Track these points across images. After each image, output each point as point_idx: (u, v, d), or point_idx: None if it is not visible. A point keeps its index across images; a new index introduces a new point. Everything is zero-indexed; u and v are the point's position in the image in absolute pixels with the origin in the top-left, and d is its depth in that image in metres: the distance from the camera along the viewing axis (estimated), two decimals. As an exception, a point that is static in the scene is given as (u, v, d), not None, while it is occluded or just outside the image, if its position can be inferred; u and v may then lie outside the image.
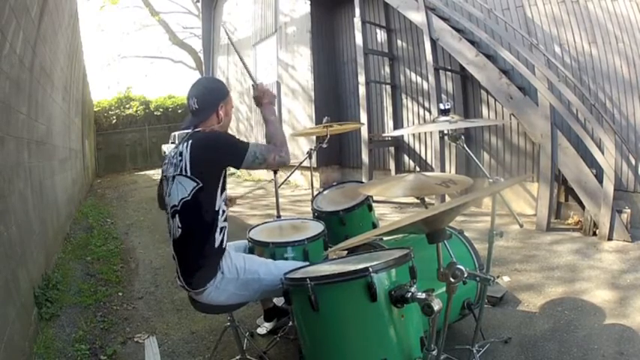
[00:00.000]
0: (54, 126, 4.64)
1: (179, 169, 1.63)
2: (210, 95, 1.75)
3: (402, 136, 6.50)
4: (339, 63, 7.77)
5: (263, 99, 1.87)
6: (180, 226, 1.63)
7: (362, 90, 6.14)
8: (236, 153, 1.63)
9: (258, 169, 1.72)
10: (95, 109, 15.44)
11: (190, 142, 1.66)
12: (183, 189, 1.61)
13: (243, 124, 10.63)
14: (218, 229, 1.65)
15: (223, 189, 1.67)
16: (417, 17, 5.22)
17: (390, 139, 6.63)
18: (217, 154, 1.62)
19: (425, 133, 6.04)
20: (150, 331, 2.57)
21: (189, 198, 1.60)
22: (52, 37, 4.18)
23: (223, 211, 1.68)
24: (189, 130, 1.73)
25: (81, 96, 8.54)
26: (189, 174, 1.60)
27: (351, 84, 7.35)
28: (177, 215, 1.63)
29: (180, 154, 1.65)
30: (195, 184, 1.59)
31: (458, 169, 5.41)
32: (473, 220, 4.55)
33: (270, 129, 1.81)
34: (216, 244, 1.64)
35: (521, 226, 3.91)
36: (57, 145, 4.89)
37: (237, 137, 1.70)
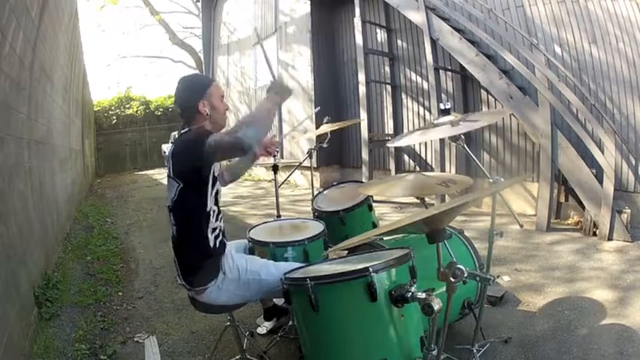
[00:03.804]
0: (54, 126, 4.64)
1: (169, 170, 1.66)
2: (187, 96, 1.73)
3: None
4: (339, 63, 7.77)
5: (275, 92, 1.67)
6: (174, 223, 1.66)
7: (362, 90, 6.14)
8: (197, 150, 1.51)
9: (223, 160, 1.68)
10: (95, 109, 15.44)
11: (174, 143, 1.69)
12: (172, 189, 1.63)
13: (243, 123, 10.62)
14: (210, 230, 1.65)
15: (212, 190, 1.66)
16: (417, 17, 5.22)
17: (390, 139, 6.63)
18: (186, 156, 1.59)
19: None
20: (150, 331, 2.57)
21: (176, 198, 1.61)
22: (52, 37, 4.17)
23: (214, 212, 1.68)
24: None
25: (81, 96, 8.54)
26: (172, 175, 1.63)
27: (351, 84, 7.34)
28: (171, 213, 1.67)
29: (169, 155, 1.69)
30: (177, 184, 1.60)
31: (458, 169, 5.40)
32: (473, 220, 4.55)
33: (253, 112, 1.62)
34: (211, 245, 1.65)
35: (521, 226, 3.91)
36: (57, 145, 4.89)
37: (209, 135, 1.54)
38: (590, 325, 2.29)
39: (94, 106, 15.04)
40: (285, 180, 3.87)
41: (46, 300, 2.80)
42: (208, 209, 1.64)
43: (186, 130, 1.71)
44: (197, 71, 19.97)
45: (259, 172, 9.83)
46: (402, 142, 2.20)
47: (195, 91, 1.73)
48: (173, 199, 1.63)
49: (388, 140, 6.55)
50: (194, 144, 1.56)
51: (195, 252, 1.64)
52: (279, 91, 1.68)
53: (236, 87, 10.74)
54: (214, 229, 1.67)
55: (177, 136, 1.87)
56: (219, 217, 1.72)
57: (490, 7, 4.95)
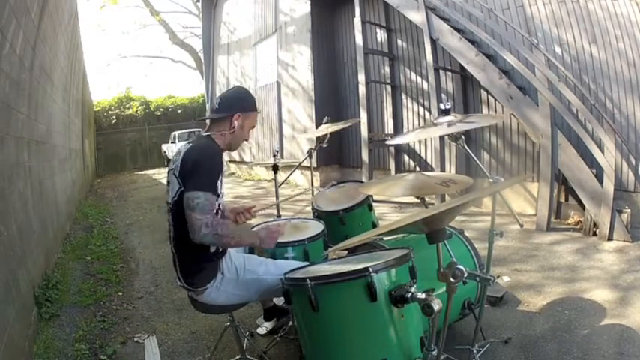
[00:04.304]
0: (54, 126, 4.64)
1: (174, 167, 1.65)
2: (232, 101, 1.75)
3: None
4: (339, 63, 7.77)
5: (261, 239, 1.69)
6: (172, 223, 1.65)
7: (362, 90, 6.14)
8: (196, 183, 1.54)
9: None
10: (95, 109, 15.46)
11: (190, 145, 1.67)
12: (173, 188, 1.62)
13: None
14: None
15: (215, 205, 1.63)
16: (417, 17, 5.22)
17: (390, 138, 6.63)
18: (190, 171, 1.57)
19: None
20: (150, 331, 2.57)
21: (176, 199, 1.60)
22: (52, 37, 4.17)
23: None
24: (197, 130, 1.74)
25: (81, 96, 8.54)
26: (177, 174, 1.62)
27: (351, 84, 7.34)
28: (170, 213, 1.66)
29: (180, 152, 1.66)
30: (179, 186, 1.59)
31: (458, 169, 5.40)
32: (473, 220, 4.55)
33: (235, 227, 1.77)
34: (212, 250, 1.64)
35: (521, 226, 3.91)
36: (57, 145, 4.89)
37: (218, 173, 1.61)
38: (590, 325, 2.29)
39: (94, 106, 15.06)
40: (285, 180, 3.87)
41: (46, 300, 2.80)
42: None
43: (208, 134, 1.71)
44: (197, 71, 20.03)
45: (259, 172, 9.83)
46: (401, 140, 2.20)
47: (242, 103, 1.76)
48: (173, 199, 1.61)
49: (388, 140, 6.57)
50: (198, 172, 1.56)
51: (193, 254, 1.63)
52: (264, 241, 1.69)
53: (236, 87, 10.73)
54: None
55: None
56: None
57: (490, 7, 4.95)
